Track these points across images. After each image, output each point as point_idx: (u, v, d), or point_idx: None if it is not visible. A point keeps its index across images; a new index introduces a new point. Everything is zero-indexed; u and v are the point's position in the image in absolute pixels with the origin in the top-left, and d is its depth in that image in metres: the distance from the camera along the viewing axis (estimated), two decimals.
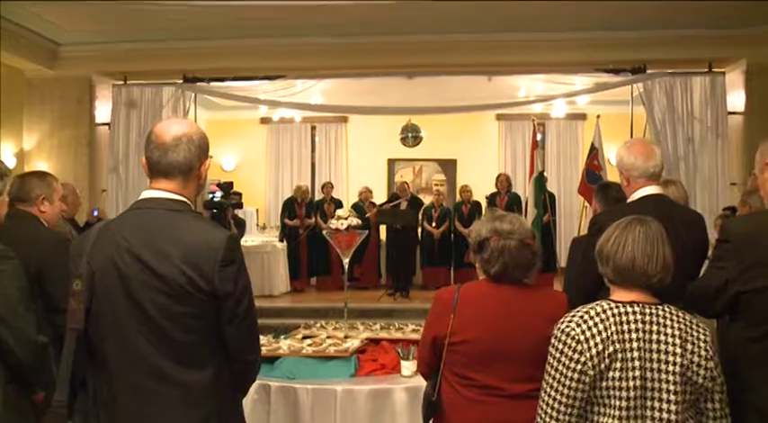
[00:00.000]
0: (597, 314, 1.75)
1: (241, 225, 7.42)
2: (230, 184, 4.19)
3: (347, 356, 3.41)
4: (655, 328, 1.72)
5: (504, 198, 8.89)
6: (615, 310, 1.74)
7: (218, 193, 3.84)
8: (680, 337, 1.70)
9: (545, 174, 9.14)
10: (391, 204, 8.88)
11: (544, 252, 7.65)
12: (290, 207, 9.26)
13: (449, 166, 11.36)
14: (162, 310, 1.68)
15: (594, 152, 8.11)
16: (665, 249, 1.77)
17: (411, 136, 10.30)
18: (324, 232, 5.89)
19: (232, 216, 7.52)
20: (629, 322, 1.72)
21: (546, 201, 8.30)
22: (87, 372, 1.72)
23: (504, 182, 8.96)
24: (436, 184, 11.28)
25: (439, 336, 2.05)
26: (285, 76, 7.74)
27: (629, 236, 1.78)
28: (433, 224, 9.38)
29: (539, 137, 10.34)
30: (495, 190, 9.12)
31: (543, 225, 8.13)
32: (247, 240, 8.82)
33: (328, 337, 3.92)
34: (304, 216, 9.22)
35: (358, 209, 8.77)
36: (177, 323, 1.69)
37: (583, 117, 10.97)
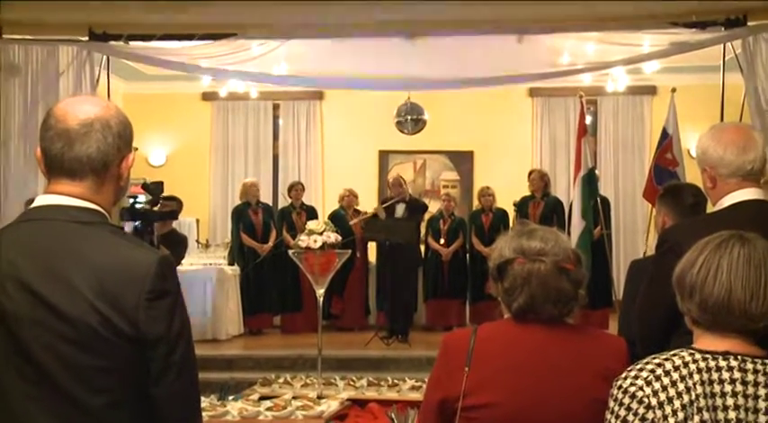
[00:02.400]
0: (676, 369, 1.65)
1: (179, 243, 7.39)
2: (160, 185, 4.20)
3: None
4: (762, 391, 1.61)
5: (540, 205, 8.96)
6: (702, 364, 1.64)
7: (143, 198, 3.86)
8: None
9: (596, 171, 9.23)
10: (383, 206, 8.94)
11: (593, 280, 7.65)
12: (243, 216, 9.28)
13: (463, 161, 11.44)
14: (63, 364, 1.65)
15: (667, 141, 8.12)
16: None
17: (411, 119, 10.30)
18: (291, 253, 5.93)
19: (167, 230, 7.55)
20: (722, 382, 1.63)
21: (597, 208, 8.35)
22: None
23: (538, 182, 9.03)
24: (446, 186, 11.36)
25: (448, 397, 2.03)
26: (236, 36, 7.69)
27: (724, 260, 1.68)
28: (442, 241, 9.43)
29: (588, 120, 10.43)
30: (526, 193, 9.19)
31: (593, 242, 8.18)
32: (184, 264, 8.80)
33: (295, 398, 3.92)
34: (262, 228, 9.23)
35: (338, 220, 8.80)
36: (84, 381, 1.65)
37: (651, 91, 11.09)
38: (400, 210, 9.02)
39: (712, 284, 1.68)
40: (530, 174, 9.22)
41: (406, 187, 9.26)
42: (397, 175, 9.70)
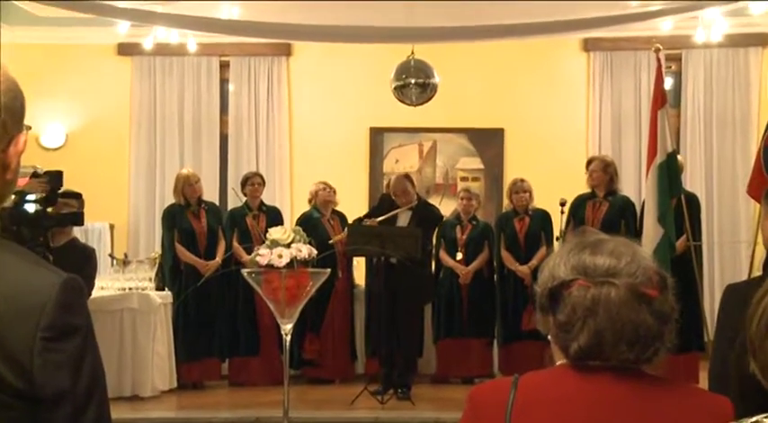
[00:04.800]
0: None
1: (86, 260, 7.37)
2: (58, 177, 4.20)
3: None
4: None
5: (602, 206, 8.94)
6: None
7: (33, 196, 3.86)
8: None
9: (679, 157, 9.23)
10: (376, 219, 8.88)
11: (683, 313, 7.47)
12: (178, 221, 9.25)
13: (489, 143, 11.45)
14: None
15: None
16: None
17: (415, 84, 10.25)
18: (245, 273, 5.90)
19: (67, 240, 7.51)
20: None
21: (681, 210, 8.35)
22: None
23: (600, 175, 9.01)
24: (464, 178, 11.39)
25: None
26: None
27: None
28: (459, 255, 9.43)
29: (668, 84, 10.44)
30: (580, 189, 9.21)
31: (676, 258, 8.18)
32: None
33: None
34: (205, 238, 9.22)
35: (311, 225, 8.79)
36: None
37: (760, 41, 11.12)
38: (403, 219, 8.95)
39: None
40: (588, 163, 9.21)
41: (414, 191, 9.13)
42: (400, 176, 9.38)
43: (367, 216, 9.07)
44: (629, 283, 2.03)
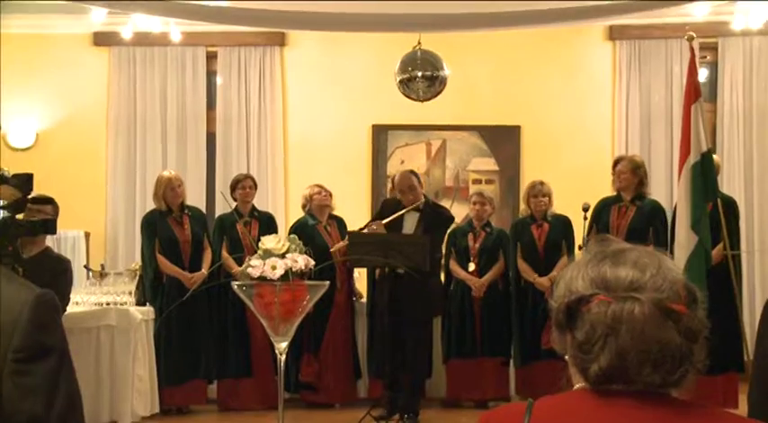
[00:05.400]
0: None
1: (61, 273, 7.33)
2: (27, 181, 4.22)
3: None
4: None
5: (629, 212, 8.93)
6: None
7: (0, 202, 3.88)
8: None
9: (715, 157, 9.23)
10: (383, 222, 8.89)
11: (713, 330, 7.42)
12: (160, 228, 9.25)
13: (504, 142, 11.48)
14: None
15: None
16: None
17: (421, 77, 10.24)
18: (236, 286, 5.89)
19: (39, 251, 7.49)
20: None
21: (718, 216, 8.34)
22: None
23: (629, 177, 8.97)
24: (477, 181, 11.42)
25: None
26: None
27: None
28: (471, 266, 9.42)
29: (702, 76, 10.42)
30: (605, 193, 9.22)
31: (711, 269, 8.17)
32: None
33: None
34: (191, 248, 9.22)
35: (307, 233, 8.82)
36: None
37: None
38: (410, 222, 8.95)
39: None
40: (615, 163, 9.16)
41: (421, 190, 9.15)
42: (406, 172, 9.37)
43: (370, 223, 9.07)
44: (654, 299, 2.02)
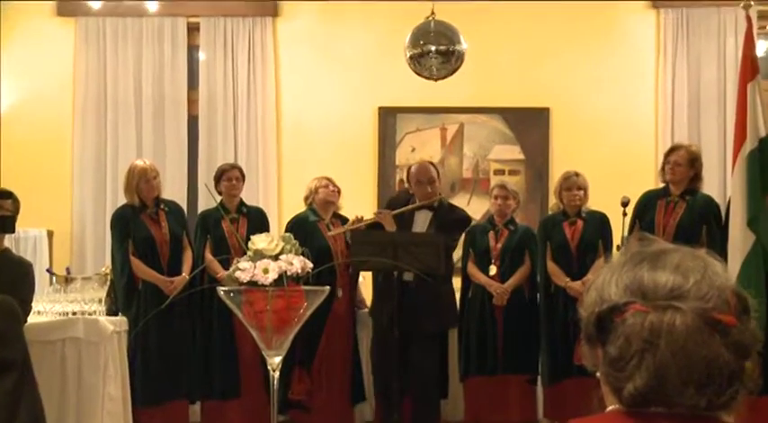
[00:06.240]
0: None
1: (22, 277, 7.34)
2: None
3: None
4: None
5: (678, 207, 8.91)
6: None
7: None
8: None
9: None
10: (393, 213, 8.90)
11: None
12: (134, 226, 9.26)
13: (531, 127, 11.48)
14: None
15: None
16: None
17: (435, 51, 10.25)
18: (222, 292, 5.89)
19: (1, 253, 7.51)
20: None
21: None
22: None
23: (685, 169, 8.89)
24: (499, 171, 11.43)
25: None
26: None
27: None
28: (493, 269, 9.42)
29: (760, 49, 10.40)
30: (647, 185, 9.24)
31: None
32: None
33: None
34: (169, 249, 9.24)
35: (306, 231, 8.88)
36: None
37: None
38: (421, 221, 8.97)
39: None
40: (669, 152, 9.09)
41: (439, 185, 9.19)
42: (426, 162, 9.46)
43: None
44: (698, 308, 2.02)
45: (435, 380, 9.06)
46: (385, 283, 8.91)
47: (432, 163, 9.52)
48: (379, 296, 9.14)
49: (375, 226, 9.08)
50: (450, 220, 9.08)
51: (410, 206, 8.95)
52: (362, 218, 9.23)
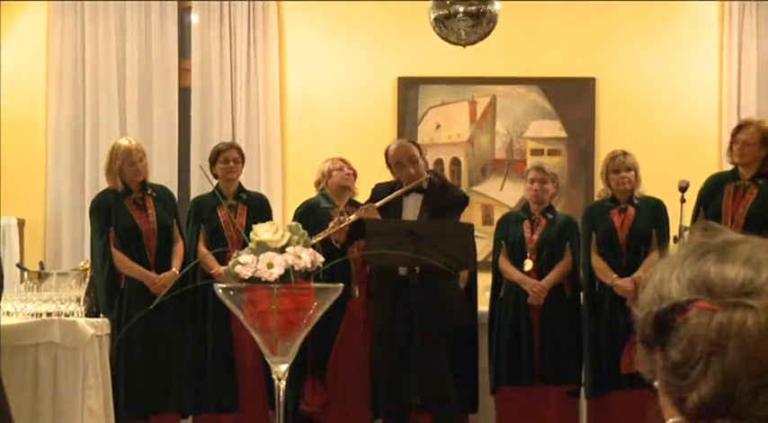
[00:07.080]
0: None
1: None
2: None
3: None
4: None
5: (748, 192, 8.90)
6: None
7: None
8: None
9: None
10: (365, 209, 8.85)
11: None
12: (117, 215, 9.28)
13: (574, 100, 11.52)
14: None
15: None
16: None
17: (464, 13, 10.24)
18: (219, 290, 5.89)
19: None
20: None
21: None
22: None
23: (756, 146, 8.85)
24: (537, 151, 11.46)
25: None
26: None
27: None
28: (528, 264, 9.43)
29: None
30: (711, 168, 9.22)
31: None
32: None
33: None
34: (156, 240, 9.26)
35: (316, 218, 8.99)
36: None
37: None
38: (411, 206, 8.97)
39: None
40: (737, 130, 9.05)
41: (423, 162, 9.13)
42: (404, 140, 9.46)
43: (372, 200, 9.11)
44: None
45: (452, 390, 8.98)
46: (380, 278, 8.93)
47: (411, 140, 9.56)
48: (376, 294, 9.19)
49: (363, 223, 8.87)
50: (445, 203, 9.03)
51: (396, 193, 8.92)
52: (345, 218, 9.02)
